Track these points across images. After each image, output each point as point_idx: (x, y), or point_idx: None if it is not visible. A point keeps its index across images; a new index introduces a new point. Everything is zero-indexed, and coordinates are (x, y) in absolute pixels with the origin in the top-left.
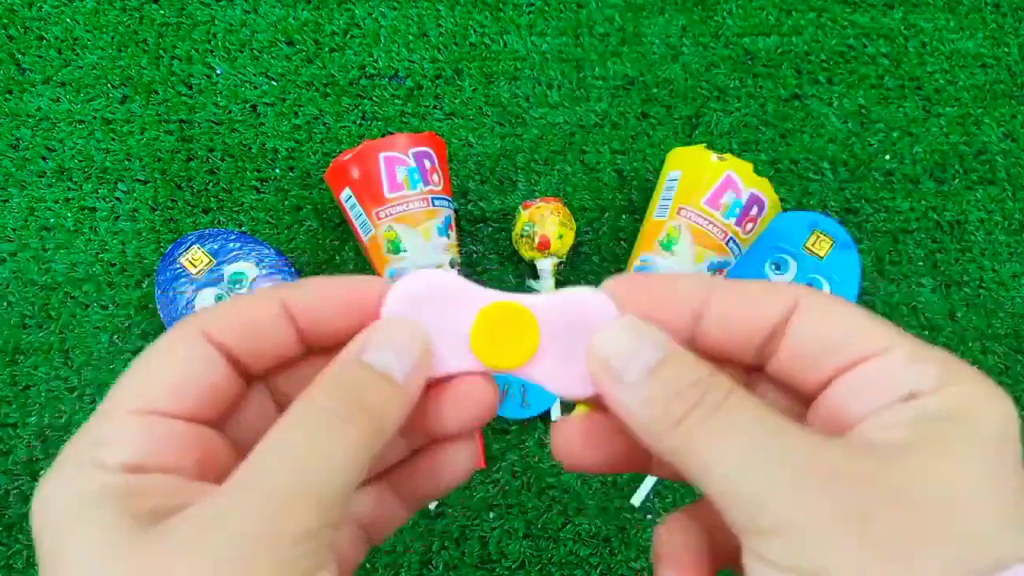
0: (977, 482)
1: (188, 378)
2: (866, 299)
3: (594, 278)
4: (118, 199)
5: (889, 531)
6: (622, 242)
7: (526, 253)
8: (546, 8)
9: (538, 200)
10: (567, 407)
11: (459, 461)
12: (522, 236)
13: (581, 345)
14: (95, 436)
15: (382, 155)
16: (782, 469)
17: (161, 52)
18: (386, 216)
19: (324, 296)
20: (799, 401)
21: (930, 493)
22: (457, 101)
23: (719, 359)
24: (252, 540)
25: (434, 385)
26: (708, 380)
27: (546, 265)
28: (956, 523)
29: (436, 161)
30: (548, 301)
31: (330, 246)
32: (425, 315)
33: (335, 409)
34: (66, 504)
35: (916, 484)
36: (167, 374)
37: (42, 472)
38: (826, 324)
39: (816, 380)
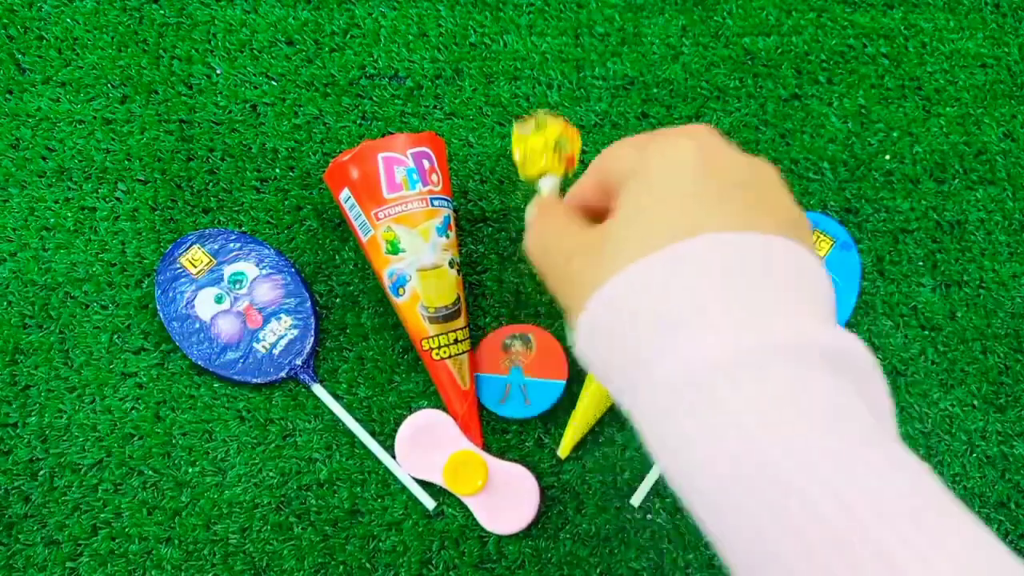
0: (626, 199)
1: (572, 202)
2: (866, 299)
3: None
4: (118, 199)
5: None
6: None
7: (547, 166)
8: (546, 8)
9: (546, 114)
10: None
11: None
12: (554, 148)
13: (516, 498)
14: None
15: (381, 155)
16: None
17: (161, 52)
18: (385, 216)
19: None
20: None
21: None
22: (457, 101)
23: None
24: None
25: None
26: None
27: (554, 183)
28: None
29: (435, 161)
30: (498, 462)
31: (330, 246)
32: (421, 439)
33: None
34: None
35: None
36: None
37: (42, 472)
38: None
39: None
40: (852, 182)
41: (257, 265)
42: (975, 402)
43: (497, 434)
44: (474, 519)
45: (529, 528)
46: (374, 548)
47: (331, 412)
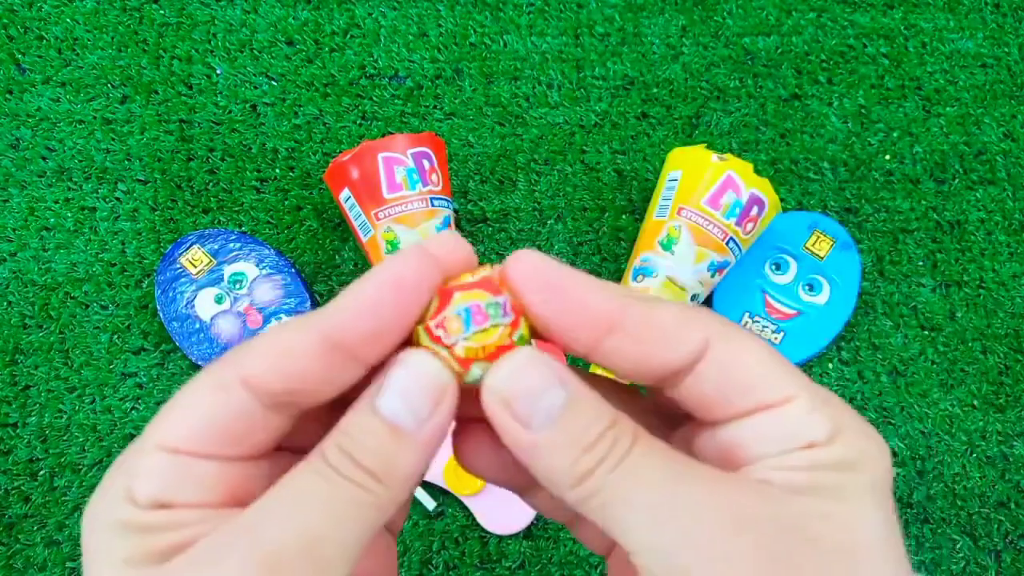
0: (875, 528)
1: (216, 421)
2: (866, 299)
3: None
4: (118, 199)
5: (801, 573)
6: (622, 242)
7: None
8: (546, 8)
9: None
10: None
11: None
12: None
13: (516, 498)
14: (129, 467)
15: (381, 155)
16: (695, 521)
17: (161, 52)
18: (385, 217)
19: (356, 312)
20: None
21: (835, 536)
22: (457, 101)
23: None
24: None
25: None
26: (615, 430)
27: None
28: (861, 567)
29: (435, 161)
30: None
31: (330, 246)
32: None
33: (339, 464)
34: (97, 531)
35: (818, 525)
36: (192, 416)
37: (42, 472)
38: (734, 370)
39: (714, 418)
40: (852, 182)
41: (257, 265)
42: (975, 402)
43: None
44: (474, 519)
45: (529, 528)
46: None
47: None
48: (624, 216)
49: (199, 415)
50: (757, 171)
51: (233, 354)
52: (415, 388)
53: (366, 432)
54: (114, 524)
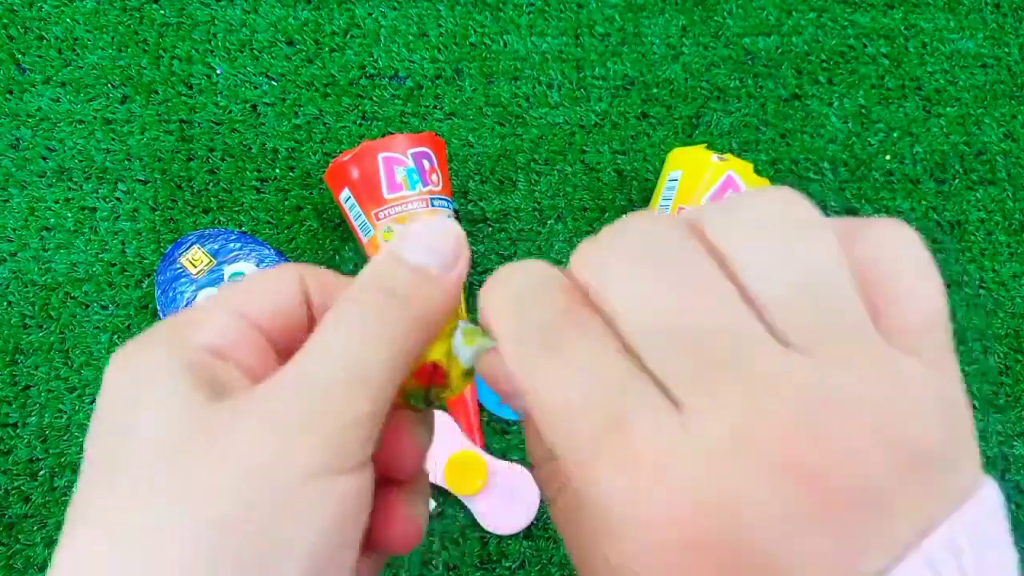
0: None
1: (277, 301)
2: None
3: None
4: (118, 199)
5: None
6: None
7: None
8: (546, 8)
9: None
10: None
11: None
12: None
13: (516, 498)
14: (188, 318)
15: (381, 156)
16: None
17: (161, 52)
18: (385, 217)
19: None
20: None
21: None
22: (457, 101)
23: None
24: (307, 417)
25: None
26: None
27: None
28: None
29: (435, 161)
30: (498, 462)
31: (330, 246)
32: None
33: (374, 300)
34: (154, 367)
35: None
36: (259, 291)
37: (42, 472)
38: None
39: None
40: (852, 182)
41: (257, 265)
42: (975, 402)
43: (497, 434)
44: (474, 519)
45: (529, 528)
46: None
47: None
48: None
49: (262, 291)
50: (757, 171)
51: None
52: (439, 239)
53: (394, 274)
54: (171, 362)
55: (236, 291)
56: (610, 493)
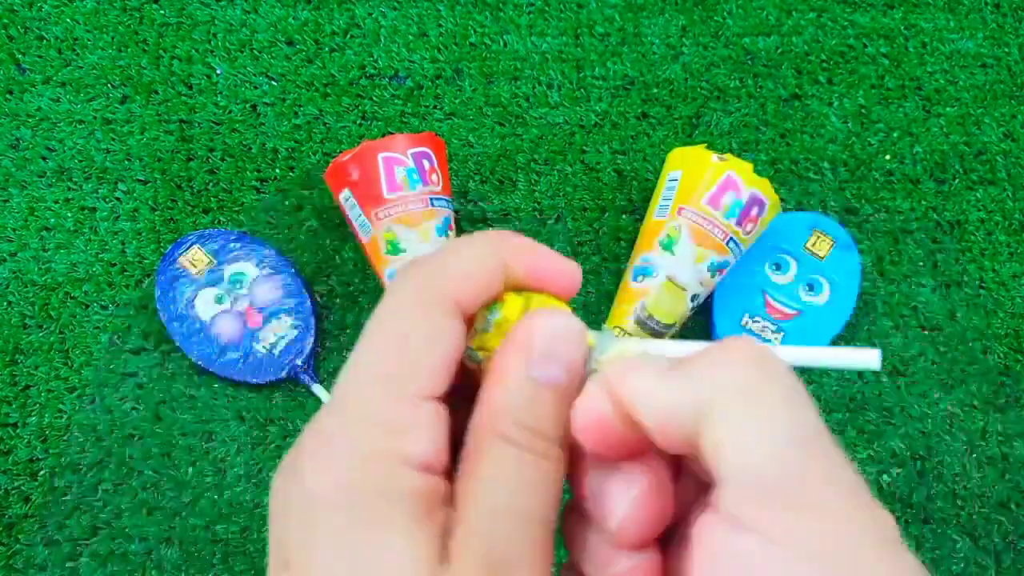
0: None
1: (488, 290)
2: (866, 299)
3: (593, 278)
4: (118, 199)
5: None
6: (622, 242)
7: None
8: (546, 8)
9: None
10: None
11: None
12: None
13: None
14: (390, 419)
15: (381, 156)
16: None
17: (161, 52)
18: (385, 217)
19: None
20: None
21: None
22: (457, 101)
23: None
24: None
25: None
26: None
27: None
28: None
29: (435, 161)
30: None
31: (330, 246)
32: None
33: (522, 439)
34: (364, 498)
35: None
36: (436, 351)
37: (42, 472)
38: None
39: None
40: (852, 182)
41: (257, 265)
42: (975, 402)
43: None
44: None
45: None
46: None
47: None
48: (624, 216)
49: (439, 350)
50: (757, 171)
51: (431, 272)
52: (558, 344)
53: (533, 401)
54: (390, 494)
55: (447, 279)
56: None
